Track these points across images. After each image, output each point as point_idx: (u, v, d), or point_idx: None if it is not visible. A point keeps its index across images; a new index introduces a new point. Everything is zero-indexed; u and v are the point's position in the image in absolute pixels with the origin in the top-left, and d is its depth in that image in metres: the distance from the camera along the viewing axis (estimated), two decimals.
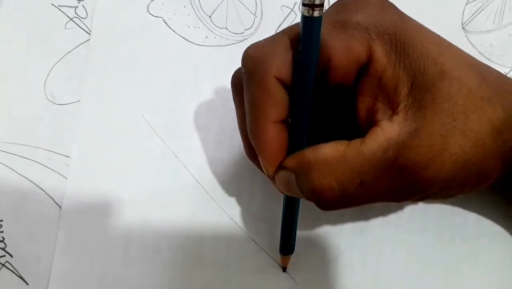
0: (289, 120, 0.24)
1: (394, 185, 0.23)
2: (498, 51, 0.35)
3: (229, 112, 0.32)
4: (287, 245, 0.29)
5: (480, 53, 0.35)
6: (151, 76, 0.33)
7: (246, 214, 0.30)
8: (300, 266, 0.30)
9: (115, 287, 0.29)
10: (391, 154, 0.22)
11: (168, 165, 0.31)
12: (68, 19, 0.33)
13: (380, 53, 0.23)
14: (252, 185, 0.31)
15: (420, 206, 0.31)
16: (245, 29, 0.34)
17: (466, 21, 0.36)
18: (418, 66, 0.22)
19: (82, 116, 0.32)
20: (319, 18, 0.22)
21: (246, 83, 0.24)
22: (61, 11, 0.33)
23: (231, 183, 0.31)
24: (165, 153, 0.31)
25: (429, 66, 0.22)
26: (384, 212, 0.31)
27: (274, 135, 0.24)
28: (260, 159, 0.25)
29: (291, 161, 0.24)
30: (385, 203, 0.31)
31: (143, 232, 0.30)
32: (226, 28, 0.34)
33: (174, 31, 0.34)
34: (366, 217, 0.31)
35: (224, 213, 0.30)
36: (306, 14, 0.22)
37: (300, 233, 0.30)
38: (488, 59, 0.35)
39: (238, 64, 0.33)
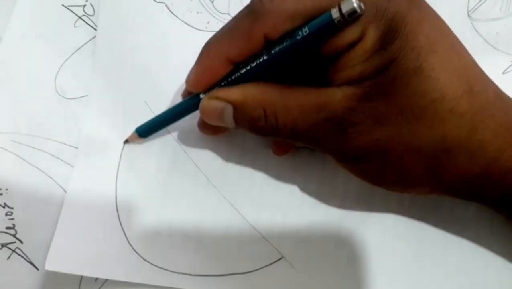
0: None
1: (318, 138, 0.25)
2: (505, 39, 0.35)
3: None
4: (148, 131, 0.31)
5: (486, 41, 0.35)
6: (154, 62, 0.33)
7: (246, 200, 0.31)
8: (299, 253, 0.30)
9: (116, 270, 0.30)
10: (322, 115, 0.24)
11: (170, 150, 0.32)
12: (77, 18, 0.35)
13: (370, 37, 0.23)
14: (253, 172, 0.31)
15: (420, 199, 0.31)
16: None
17: (472, 8, 0.35)
18: (397, 56, 0.23)
19: (88, 105, 0.33)
20: (337, 28, 0.23)
21: (244, 15, 0.25)
22: (71, 10, 0.35)
23: (232, 169, 0.32)
24: (166, 139, 0.32)
25: (408, 59, 0.23)
26: (386, 201, 0.31)
27: (220, 65, 0.26)
28: (194, 70, 0.27)
29: (233, 94, 0.26)
30: (386, 193, 0.31)
31: (143, 216, 0.31)
32: (228, 13, 0.35)
33: (176, 16, 0.35)
34: (367, 206, 0.31)
35: (224, 200, 0.31)
36: (334, 16, 0.22)
37: (299, 221, 0.30)
38: (494, 48, 0.35)
39: None
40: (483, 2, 0.35)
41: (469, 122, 0.23)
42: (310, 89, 0.25)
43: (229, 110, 0.26)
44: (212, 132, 0.31)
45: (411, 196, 0.31)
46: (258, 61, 0.25)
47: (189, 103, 0.28)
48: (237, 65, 0.26)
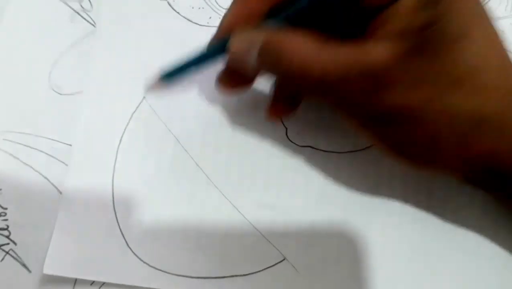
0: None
1: (346, 93, 0.24)
2: (511, 39, 0.34)
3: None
4: (172, 75, 0.29)
5: None
6: (155, 59, 0.32)
7: (247, 200, 0.30)
8: (301, 255, 0.29)
9: (114, 273, 0.29)
10: (358, 68, 0.23)
11: (169, 149, 0.31)
12: (73, 12, 0.34)
13: None
14: (254, 171, 0.31)
15: (424, 200, 0.30)
16: None
17: None
18: (443, 17, 0.22)
19: (84, 101, 0.32)
20: None
21: None
22: (67, 4, 0.34)
23: (233, 169, 0.31)
24: (166, 137, 0.31)
25: (455, 22, 0.22)
26: (389, 203, 0.30)
27: (257, 4, 0.25)
28: (231, 10, 0.26)
29: (264, 31, 0.25)
30: (390, 194, 0.30)
31: (142, 217, 0.30)
32: None
33: (178, 13, 0.34)
34: (371, 207, 0.30)
35: (224, 199, 0.30)
36: None
37: (302, 222, 0.30)
38: None
39: None
40: (488, 1, 0.35)
41: (504, 98, 0.23)
42: (348, 41, 0.23)
43: (256, 45, 0.25)
44: (231, 85, 0.29)
45: (416, 198, 0.30)
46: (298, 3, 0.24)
47: (219, 44, 0.27)
48: (276, 7, 0.25)
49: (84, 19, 0.34)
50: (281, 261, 0.29)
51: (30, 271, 0.29)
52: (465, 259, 0.29)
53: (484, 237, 0.29)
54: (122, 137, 0.31)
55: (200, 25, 0.34)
